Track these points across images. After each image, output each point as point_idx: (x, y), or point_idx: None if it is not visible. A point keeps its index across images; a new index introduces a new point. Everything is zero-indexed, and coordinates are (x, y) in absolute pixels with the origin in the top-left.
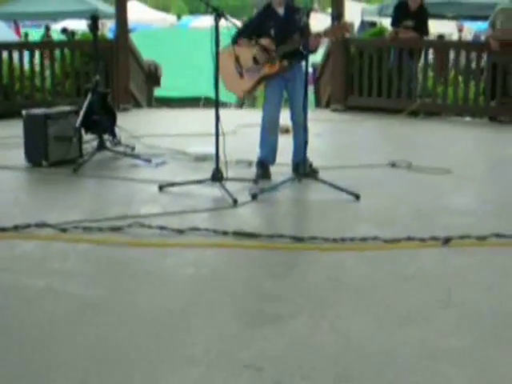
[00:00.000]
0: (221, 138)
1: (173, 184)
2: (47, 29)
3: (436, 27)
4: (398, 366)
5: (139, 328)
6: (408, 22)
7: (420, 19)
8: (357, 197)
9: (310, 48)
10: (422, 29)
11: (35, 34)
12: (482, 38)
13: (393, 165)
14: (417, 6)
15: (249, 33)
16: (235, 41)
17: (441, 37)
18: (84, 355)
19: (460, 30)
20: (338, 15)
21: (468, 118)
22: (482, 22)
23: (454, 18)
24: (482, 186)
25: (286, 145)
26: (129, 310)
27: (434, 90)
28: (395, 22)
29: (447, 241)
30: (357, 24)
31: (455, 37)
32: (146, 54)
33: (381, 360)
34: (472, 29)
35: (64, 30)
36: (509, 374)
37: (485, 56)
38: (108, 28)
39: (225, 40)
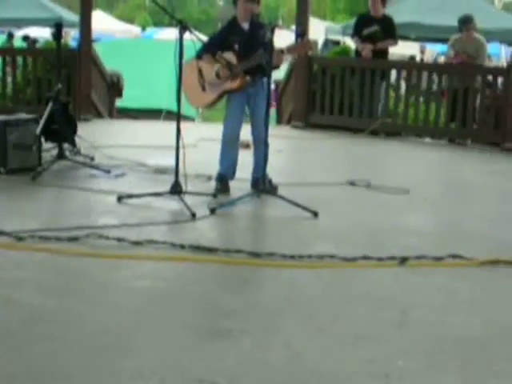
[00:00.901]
0: (181, 151)
1: (131, 196)
2: (10, 36)
3: (400, 48)
4: None
5: (88, 340)
6: (373, 27)
7: (386, 25)
8: (315, 214)
9: (273, 64)
10: (390, 35)
11: None
12: (442, 59)
13: (352, 183)
14: (380, 13)
15: (214, 47)
16: (200, 55)
17: (412, 58)
18: (31, 367)
19: (422, 52)
20: (301, 33)
21: (428, 139)
22: (442, 44)
23: (416, 39)
24: (440, 207)
25: (246, 160)
26: (79, 321)
27: (395, 110)
28: (355, 33)
29: (404, 261)
30: (320, 42)
31: (418, 58)
32: (109, 64)
33: (332, 379)
34: (434, 51)
35: (25, 38)
36: None
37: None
38: (71, 37)
39: (189, 53)
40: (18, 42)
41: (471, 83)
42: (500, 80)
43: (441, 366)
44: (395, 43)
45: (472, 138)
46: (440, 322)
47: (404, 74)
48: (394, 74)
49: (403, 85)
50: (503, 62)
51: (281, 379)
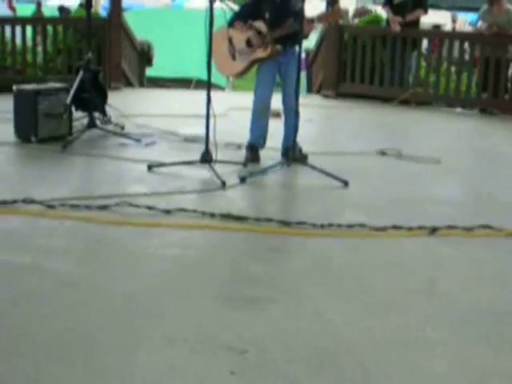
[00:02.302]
0: (211, 120)
1: (162, 164)
2: (39, 5)
3: (431, 17)
4: (377, 354)
5: (118, 308)
6: None
7: None
8: (345, 183)
9: (308, 32)
10: (420, 4)
11: (27, 10)
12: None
13: (382, 153)
14: None
15: (245, 16)
16: (231, 23)
17: (436, 27)
18: (60, 333)
19: (454, 21)
20: (332, 1)
21: (459, 109)
22: (474, 13)
23: (448, 8)
24: (470, 177)
25: (276, 129)
26: (109, 289)
27: (426, 79)
28: (386, 2)
29: (434, 230)
30: (351, 11)
31: (448, 27)
32: (139, 33)
33: (361, 347)
34: (465, 20)
35: (60, 9)
36: (479, 367)
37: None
38: (101, 6)
39: (219, 22)
40: (48, 12)
41: (503, 53)
42: None
43: (469, 336)
44: (425, 13)
45: (504, 109)
46: (469, 292)
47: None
48: (425, 43)
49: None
50: None
51: (309, 347)
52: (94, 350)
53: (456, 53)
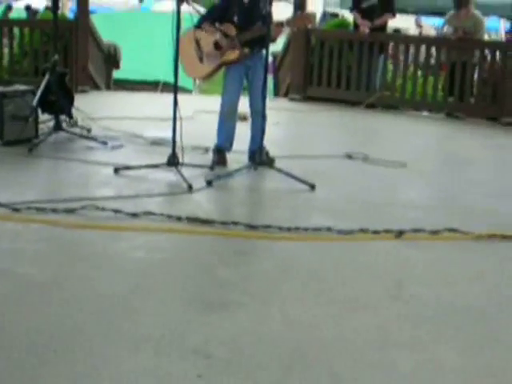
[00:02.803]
0: (178, 123)
1: (128, 167)
2: (9, 8)
3: (394, 21)
4: (346, 355)
5: (84, 311)
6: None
7: None
8: (312, 187)
9: (275, 36)
10: (388, 8)
11: None
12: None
13: (349, 156)
14: None
15: (213, 18)
16: (198, 25)
17: (397, 31)
18: (26, 338)
19: (420, 26)
20: (300, 5)
21: (425, 113)
22: (439, 18)
23: (413, 12)
24: (437, 181)
25: (243, 132)
26: (75, 292)
27: (393, 83)
28: (354, 6)
29: (400, 234)
30: (318, 15)
31: (412, 31)
32: (106, 36)
33: (330, 349)
34: (431, 25)
35: (28, 8)
36: (448, 366)
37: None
38: (68, 8)
39: (186, 25)
40: (16, 13)
41: (469, 57)
42: (498, 54)
43: (437, 336)
44: (393, 16)
45: (470, 113)
46: (435, 293)
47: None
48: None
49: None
50: (502, 37)
51: (277, 349)
52: (61, 354)
53: (422, 57)
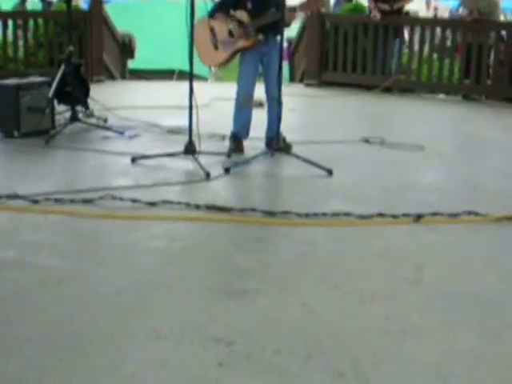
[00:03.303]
0: (194, 111)
1: (145, 156)
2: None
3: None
4: (366, 342)
5: (105, 302)
6: None
7: None
8: (329, 172)
9: (289, 21)
10: None
11: (8, 3)
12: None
13: (366, 141)
14: None
15: (226, 6)
16: (212, 14)
17: (406, 13)
18: (47, 329)
19: (435, 8)
20: None
21: (442, 96)
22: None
23: None
24: (455, 164)
25: (259, 119)
26: (96, 283)
27: (409, 66)
28: None
29: (419, 218)
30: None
31: (422, 14)
32: (121, 25)
33: (349, 336)
34: (446, 6)
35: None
36: (469, 353)
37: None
38: None
39: (200, 13)
40: (31, 6)
41: (485, 39)
42: None
43: (456, 322)
44: (411, 0)
45: (486, 94)
46: (455, 278)
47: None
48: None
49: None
50: None
51: (297, 337)
52: (82, 346)
53: (438, 39)
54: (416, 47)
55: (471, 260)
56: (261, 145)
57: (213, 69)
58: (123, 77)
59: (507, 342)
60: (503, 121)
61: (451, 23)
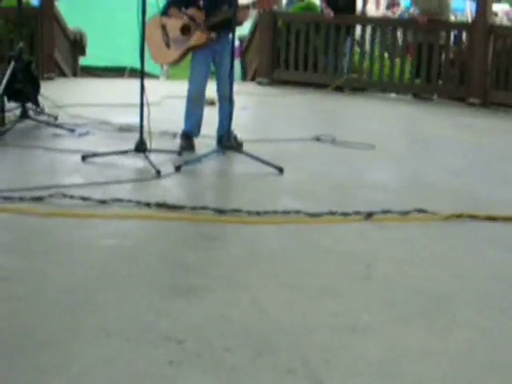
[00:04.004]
0: (145, 109)
1: (96, 154)
2: None
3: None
4: (314, 339)
5: (52, 300)
6: None
7: None
8: (280, 170)
9: (242, 19)
10: None
11: None
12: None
13: (317, 139)
14: None
15: (179, 3)
16: (165, 11)
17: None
18: None
19: (393, 5)
20: None
21: (393, 95)
22: None
23: None
24: (405, 162)
25: (211, 117)
26: (45, 281)
27: (360, 66)
28: None
29: (369, 215)
30: None
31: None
32: (72, 21)
33: (298, 333)
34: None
35: None
36: (417, 349)
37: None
38: None
39: (151, 11)
40: None
41: (436, 39)
42: (464, 35)
43: (405, 318)
44: None
45: (437, 94)
46: (404, 275)
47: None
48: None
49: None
50: (468, 17)
51: (246, 335)
52: (30, 344)
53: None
54: (367, 46)
55: (420, 257)
56: (212, 143)
57: (164, 67)
58: (74, 74)
59: (454, 338)
60: (453, 119)
61: (402, 23)
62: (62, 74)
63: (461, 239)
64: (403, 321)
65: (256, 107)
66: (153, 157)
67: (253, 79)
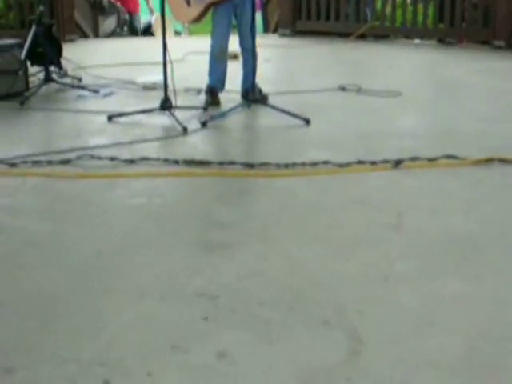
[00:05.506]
0: (169, 66)
1: (121, 114)
2: None
3: None
4: (349, 290)
5: (86, 263)
6: None
7: None
8: (307, 121)
9: None
10: None
11: None
12: None
13: (342, 89)
14: None
15: None
16: None
17: None
18: (28, 292)
19: None
20: None
21: (417, 41)
22: None
23: None
24: (431, 109)
25: (234, 71)
26: (77, 245)
27: (383, 12)
28: None
29: (398, 163)
30: None
31: None
32: None
33: (331, 285)
34: None
35: None
36: (451, 296)
37: None
38: None
39: None
40: None
41: None
42: None
43: (439, 267)
44: None
45: (461, 37)
46: (436, 222)
47: None
48: None
49: None
50: None
51: (280, 289)
52: (64, 309)
53: None
54: None
55: (451, 204)
56: (237, 97)
57: (186, 24)
58: (96, 35)
59: (487, 284)
60: (479, 63)
61: None
62: (84, 36)
63: (491, 184)
64: (436, 269)
65: (279, 59)
66: (178, 114)
67: (275, 31)
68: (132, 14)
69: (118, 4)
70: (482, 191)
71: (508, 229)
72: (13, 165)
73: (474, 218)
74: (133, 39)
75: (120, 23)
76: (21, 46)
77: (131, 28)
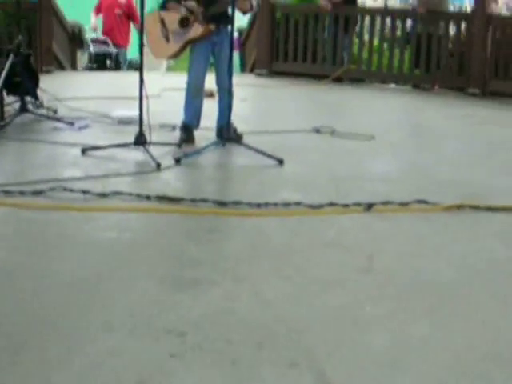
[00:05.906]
0: (145, 102)
1: (96, 147)
2: None
3: None
4: (318, 331)
5: (55, 294)
6: None
7: None
8: (280, 162)
9: (244, 9)
10: None
11: None
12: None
13: (317, 130)
14: None
15: None
16: (163, 5)
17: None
18: None
19: None
20: None
21: (392, 85)
22: None
23: None
24: (405, 153)
25: (210, 109)
26: (46, 276)
27: (359, 56)
28: None
29: (370, 206)
30: None
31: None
32: (70, 15)
33: (301, 325)
34: None
35: None
36: (420, 341)
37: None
38: None
39: (150, 4)
40: None
41: (435, 29)
42: (463, 26)
43: (408, 311)
44: None
45: (436, 84)
46: (407, 267)
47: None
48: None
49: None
50: (467, 7)
51: (249, 327)
52: (34, 339)
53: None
54: (366, 37)
55: (422, 248)
56: (212, 135)
57: (164, 60)
58: (73, 67)
59: (456, 330)
60: (452, 110)
61: (401, 13)
62: (61, 67)
63: (462, 230)
64: (406, 313)
65: (255, 99)
66: (153, 150)
67: (252, 71)
68: (120, 47)
69: (105, 37)
70: (453, 236)
71: (477, 274)
72: None
73: (444, 263)
74: (113, 73)
75: (92, 59)
76: None
77: (116, 62)
